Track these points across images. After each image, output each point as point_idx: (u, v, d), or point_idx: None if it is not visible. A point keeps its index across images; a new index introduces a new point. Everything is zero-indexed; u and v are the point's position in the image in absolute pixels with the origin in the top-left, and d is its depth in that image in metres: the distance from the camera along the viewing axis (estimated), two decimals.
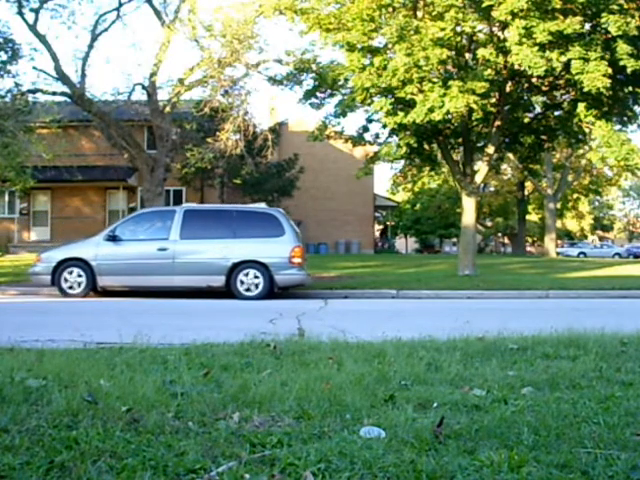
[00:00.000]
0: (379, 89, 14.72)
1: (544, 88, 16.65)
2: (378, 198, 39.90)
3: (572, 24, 13.30)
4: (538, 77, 14.96)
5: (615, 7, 13.54)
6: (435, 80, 14.44)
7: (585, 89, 13.79)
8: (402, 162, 21.29)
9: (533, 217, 51.26)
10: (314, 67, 17.76)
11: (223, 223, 12.34)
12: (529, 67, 13.68)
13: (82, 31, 56.19)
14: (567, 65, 13.84)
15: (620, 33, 13.39)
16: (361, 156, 25.46)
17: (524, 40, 13.51)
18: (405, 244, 54.11)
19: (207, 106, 20.46)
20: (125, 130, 22.72)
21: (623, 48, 13.48)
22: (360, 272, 18.47)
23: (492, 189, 44.52)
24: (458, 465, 2.43)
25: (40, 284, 12.52)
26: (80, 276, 11.97)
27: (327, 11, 15.72)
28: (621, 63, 13.63)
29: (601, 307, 10.83)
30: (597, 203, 64.20)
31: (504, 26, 14.79)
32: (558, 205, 42.03)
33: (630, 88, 15.83)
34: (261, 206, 13.13)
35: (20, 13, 20.62)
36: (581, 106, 15.11)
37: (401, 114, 14.72)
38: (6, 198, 29.35)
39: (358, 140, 18.22)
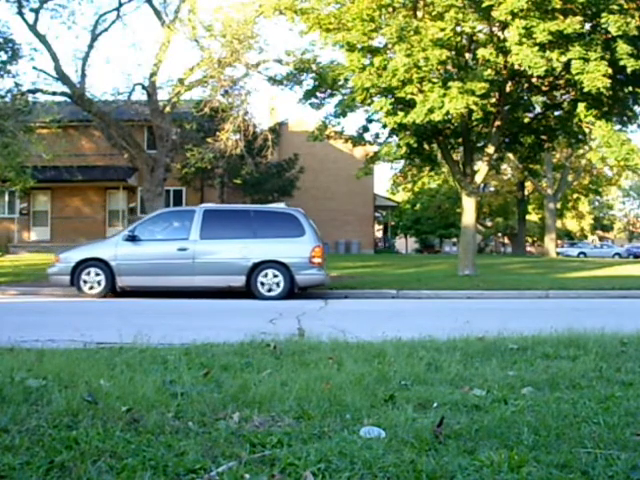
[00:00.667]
0: (379, 89, 14.73)
1: (544, 88, 16.65)
2: (378, 198, 39.91)
3: (572, 24, 13.30)
4: (538, 77, 14.96)
5: (615, 7, 13.54)
6: (435, 80, 14.44)
7: (585, 89, 13.79)
8: (402, 162, 21.30)
9: (533, 217, 51.27)
10: (314, 67, 17.75)
11: (242, 223, 12.30)
12: (529, 67, 13.68)
13: (82, 31, 56.21)
14: (567, 65, 13.84)
15: (620, 33, 13.39)
16: (361, 156, 25.47)
17: (524, 40, 13.51)
18: (405, 244, 54.14)
19: (207, 106, 20.46)
20: (125, 130, 22.73)
21: (623, 48, 13.48)
22: (360, 272, 18.47)
23: (492, 189, 44.53)
24: (458, 465, 2.43)
25: (59, 284, 12.45)
26: (99, 276, 11.89)
27: (327, 11, 15.72)
28: (621, 63, 13.63)
29: (601, 307, 10.83)
30: (597, 203, 64.19)
31: (504, 26, 14.79)
32: (558, 205, 42.04)
33: (630, 88, 15.83)
34: (281, 206, 13.06)
35: (20, 13, 20.63)
36: (581, 106, 15.11)
37: (401, 114, 14.73)
38: (6, 198, 29.36)
39: (358, 140, 18.22)
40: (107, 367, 4.15)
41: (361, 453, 2.53)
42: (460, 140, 17.95)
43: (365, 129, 17.94)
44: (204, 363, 4.37)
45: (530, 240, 56.03)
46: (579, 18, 13.61)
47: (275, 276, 11.78)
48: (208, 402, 3.30)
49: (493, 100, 15.85)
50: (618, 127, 16.45)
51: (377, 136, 18.11)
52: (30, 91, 21.65)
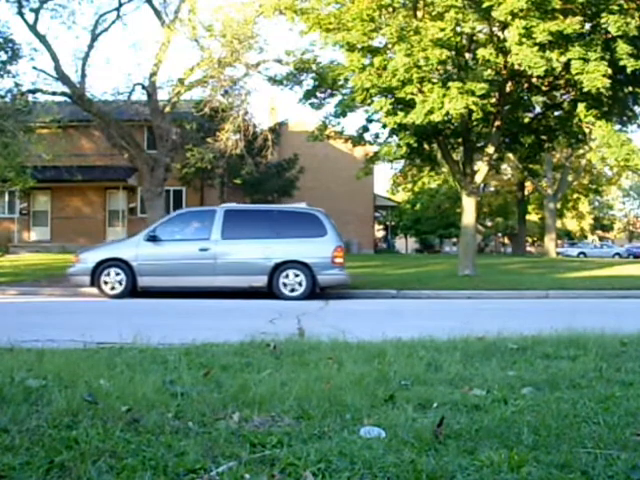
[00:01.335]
0: (379, 89, 14.72)
1: (544, 88, 16.65)
2: (378, 198, 39.92)
3: (572, 24, 13.29)
4: (538, 77, 14.95)
5: (615, 7, 13.53)
6: (435, 81, 14.44)
7: (585, 89, 13.79)
8: (402, 162, 21.30)
9: (533, 217, 51.25)
10: (314, 67, 17.74)
11: (264, 223, 12.31)
12: (529, 67, 13.68)
13: (82, 31, 56.04)
14: (567, 65, 13.84)
15: (620, 33, 13.39)
16: (361, 156, 25.46)
17: (524, 40, 13.50)
18: (405, 244, 54.14)
19: (207, 106, 20.46)
20: (125, 130, 22.71)
21: (623, 48, 13.47)
22: (360, 272, 18.45)
23: (492, 189, 44.52)
24: (458, 465, 2.43)
25: (79, 285, 12.39)
26: (120, 276, 11.84)
27: (327, 11, 15.72)
28: (621, 63, 13.63)
29: (601, 307, 10.83)
30: (597, 203, 64.18)
31: (504, 26, 14.79)
32: (558, 205, 42.02)
33: (630, 88, 15.83)
34: (302, 206, 13.05)
35: (20, 13, 20.61)
36: (581, 106, 15.11)
37: (401, 114, 14.72)
38: (6, 198, 29.35)
39: (358, 140, 18.21)
40: (107, 367, 4.15)
41: (361, 453, 2.53)
42: (460, 140, 17.94)
43: (365, 129, 17.93)
44: (204, 363, 4.37)
45: (530, 240, 56.01)
46: (579, 18, 13.61)
47: (297, 276, 11.78)
48: (208, 402, 3.30)
49: (493, 100, 15.84)
50: (618, 127, 16.45)
51: (377, 136, 18.11)
52: (30, 91, 21.64)
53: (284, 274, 11.77)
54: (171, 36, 21.24)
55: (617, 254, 50.36)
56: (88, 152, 29.09)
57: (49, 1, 20.90)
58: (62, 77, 21.29)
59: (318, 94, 17.73)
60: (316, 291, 11.91)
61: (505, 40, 14.59)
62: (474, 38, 15.96)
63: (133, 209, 30.40)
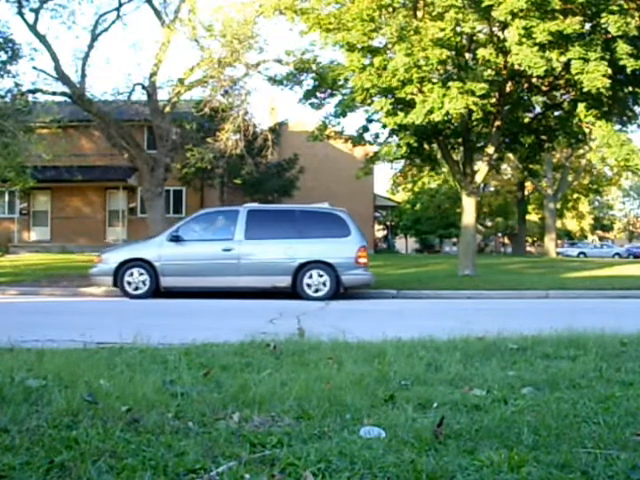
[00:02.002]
0: (379, 89, 14.72)
1: (544, 88, 16.65)
2: (378, 198, 39.92)
3: (572, 24, 13.29)
4: (538, 77, 14.95)
5: (615, 7, 13.53)
6: (435, 80, 14.44)
7: (585, 89, 13.79)
8: (402, 162, 21.30)
9: (533, 217, 51.26)
10: (314, 67, 17.75)
11: (287, 223, 12.28)
12: (529, 67, 13.68)
13: (82, 31, 56.00)
14: (567, 65, 13.84)
15: (620, 33, 13.39)
16: (361, 156, 25.46)
17: (524, 40, 13.50)
18: (405, 244, 54.14)
19: (207, 106, 20.45)
20: (125, 130, 22.71)
21: (623, 48, 13.47)
22: None
23: (492, 189, 44.53)
24: (458, 465, 2.43)
25: (101, 285, 12.36)
26: (143, 277, 11.80)
27: (327, 11, 15.72)
28: (621, 63, 13.63)
29: (601, 307, 10.83)
30: (597, 203, 64.21)
31: (504, 26, 14.79)
32: (558, 205, 42.04)
33: (630, 88, 15.82)
34: (325, 206, 13.05)
35: (20, 13, 20.60)
36: (581, 106, 15.11)
37: (401, 114, 14.72)
38: (6, 198, 29.36)
39: (358, 140, 18.21)
40: (107, 367, 4.15)
41: (361, 453, 2.53)
42: (460, 140, 17.94)
43: (365, 129, 17.93)
44: (204, 363, 4.37)
45: (530, 240, 56.02)
46: (579, 18, 13.61)
47: (321, 276, 11.76)
48: (208, 402, 3.30)
49: (493, 100, 15.84)
50: (618, 127, 16.45)
51: (377, 136, 18.11)
52: (30, 91, 21.63)
53: (308, 274, 11.75)
54: (171, 36, 21.23)
55: (617, 254, 50.36)
56: (88, 152, 29.09)
57: (49, 1, 20.90)
58: (62, 77, 21.28)
59: (318, 94, 17.73)
60: (340, 291, 11.90)
61: (505, 40, 14.59)
62: (474, 38, 15.96)
63: (133, 209, 30.40)
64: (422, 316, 9.13)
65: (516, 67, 14.59)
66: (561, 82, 15.90)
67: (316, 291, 11.73)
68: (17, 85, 20.65)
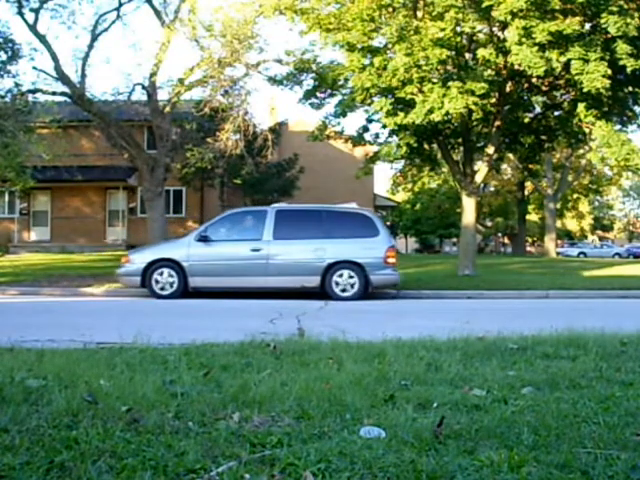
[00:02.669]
0: (379, 89, 14.72)
1: (544, 88, 16.65)
2: (378, 198, 39.92)
3: (572, 24, 13.29)
4: (538, 77, 14.95)
5: (615, 7, 13.53)
6: (435, 80, 14.43)
7: (585, 89, 13.79)
8: (402, 162, 21.29)
9: (533, 217, 51.27)
10: (314, 67, 17.75)
11: (315, 223, 12.28)
12: (529, 67, 13.68)
13: (82, 31, 55.90)
14: (567, 65, 13.84)
15: (620, 33, 13.38)
16: (361, 156, 25.47)
17: (524, 40, 13.50)
18: (405, 244, 54.13)
19: (207, 106, 20.46)
20: (125, 130, 22.71)
21: (623, 48, 13.47)
22: None
23: (492, 189, 44.53)
24: (458, 465, 2.43)
25: (129, 285, 12.32)
26: (172, 277, 11.78)
27: (327, 11, 15.72)
28: (621, 63, 13.62)
29: (601, 307, 10.83)
30: (597, 203, 64.21)
31: (504, 26, 14.79)
32: (558, 205, 42.05)
33: (630, 88, 15.82)
34: (353, 206, 13.06)
35: (20, 13, 20.60)
36: (581, 106, 15.11)
37: (401, 114, 14.72)
38: (6, 198, 29.36)
39: (358, 140, 18.22)
40: (107, 367, 4.15)
41: (361, 453, 2.53)
42: (460, 140, 17.95)
43: (365, 129, 17.94)
44: (204, 363, 4.37)
45: (530, 240, 56.04)
46: (579, 18, 13.61)
47: (350, 277, 11.77)
48: (208, 402, 3.30)
49: (493, 100, 15.85)
50: (618, 127, 16.44)
51: (377, 136, 18.12)
52: (30, 91, 21.63)
53: (337, 274, 11.77)
54: (171, 36, 21.23)
55: (617, 254, 50.38)
56: (88, 152, 29.09)
57: (49, 1, 20.90)
58: (62, 77, 21.29)
59: (318, 94, 17.74)
60: (369, 291, 11.92)
61: (505, 40, 14.59)
62: (474, 38, 15.95)
63: (133, 209, 30.40)
64: (422, 316, 9.13)
65: (516, 67, 14.60)
66: (561, 82, 15.90)
67: (345, 291, 11.75)
68: (17, 85, 20.66)
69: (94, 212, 30.37)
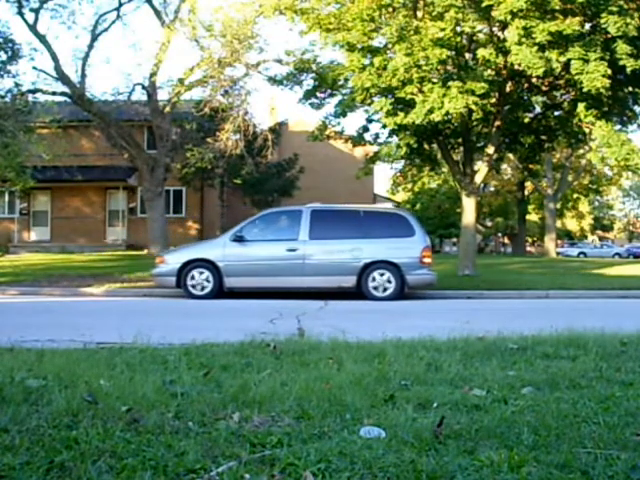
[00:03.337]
0: (379, 89, 14.71)
1: (544, 88, 16.65)
2: (378, 198, 39.90)
3: (572, 24, 13.29)
4: (538, 77, 14.95)
5: (615, 7, 13.52)
6: (435, 80, 14.43)
7: (585, 89, 13.78)
8: (402, 162, 21.30)
9: (533, 217, 51.26)
10: (314, 67, 17.75)
11: (351, 223, 12.29)
12: (528, 67, 13.68)
13: (82, 31, 55.95)
14: (567, 65, 13.83)
15: (620, 33, 13.38)
16: (361, 156, 25.48)
17: (524, 40, 13.50)
18: None
19: (207, 106, 20.48)
20: (125, 130, 22.73)
21: (623, 48, 13.46)
22: None
23: (492, 189, 44.53)
24: (458, 465, 2.43)
25: (164, 286, 12.28)
26: (207, 277, 11.76)
27: (327, 11, 15.72)
28: (621, 63, 13.62)
29: (601, 307, 10.83)
30: (597, 203, 64.19)
31: (504, 26, 14.79)
32: (558, 205, 42.04)
33: (630, 88, 15.82)
34: (388, 206, 12.98)
35: (20, 13, 20.63)
36: (581, 106, 15.11)
37: (401, 114, 14.72)
38: (6, 198, 29.37)
39: (358, 140, 18.21)
40: (107, 367, 4.15)
41: (361, 453, 2.53)
42: (460, 140, 17.94)
43: (365, 129, 17.93)
44: (204, 363, 4.37)
45: (530, 240, 56.04)
46: (579, 18, 13.60)
47: (386, 277, 11.77)
48: (208, 402, 3.30)
49: (493, 100, 15.84)
50: (618, 127, 16.45)
51: (377, 136, 18.11)
52: (30, 91, 21.65)
53: (373, 274, 11.76)
54: (171, 36, 21.25)
55: (617, 254, 50.38)
56: (88, 152, 29.10)
57: (49, 1, 20.93)
58: (62, 77, 21.31)
59: (318, 94, 17.73)
60: (405, 291, 11.93)
61: (505, 40, 14.58)
62: (474, 38, 15.95)
63: (133, 209, 30.41)
64: (422, 316, 9.12)
65: (516, 67, 14.60)
66: (561, 82, 15.90)
67: (381, 291, 11.76)
68: (17, 85, 20.69)
69: (94, 212, 30.37)
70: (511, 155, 26.03)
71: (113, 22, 22.27)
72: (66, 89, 21.56)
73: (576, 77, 13.79)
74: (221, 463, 2.45)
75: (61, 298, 12.07)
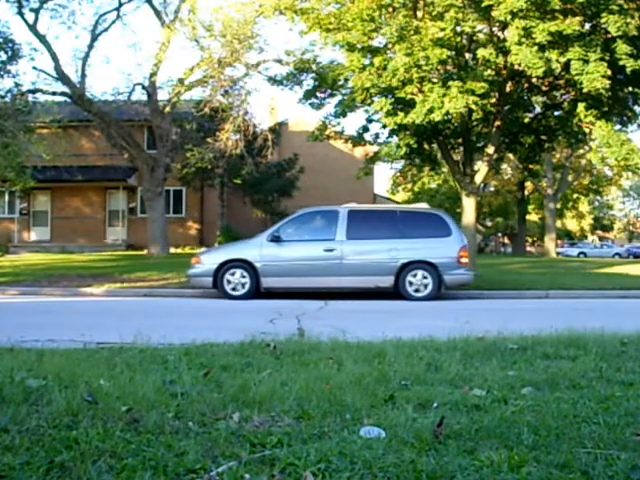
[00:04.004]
0: (379, 89, 14.71)
1: (544, 88, 16.64)
2: (378, 198, 39.88)
3: (572, 24, 13.28)
4: (538, 77, 14.94)
5: (615, 7, 13.52)
6: (435, 80, 14.43)
7: (585, 89, 13.78)
8: (402, 162, 21.31)
9: (533, 217, 51.26)
10: (314, 67, 17.75)
11: (387, 223, 12.28)
12: (528, 67, 13.68)
13: (82, 31, 56.17)
14: (567, 65, 13.83)
15: (620, 33, 13.37)
16: (361, 156, 25.48)
17: (523, 40, 13.50)
18: None
19: (207, 106, 20.48)
20: (125, 130, 22.73)
21: (623, 48, 13.46)
22: None
23: (492, 189, 44.52)
24: (458, 465, 2.43)
25: (200, 286, 12.20)
26: (244, 278, 11.69)
27: (327, 11, 15.71)
28: (621, 63, 13.61)
29: (601, 307, 10.83)
30: (597, 203, 64.20)
31: (504, 26, 14.78)
32: (558, 205, 42.03)
33: (630, 88, 15.81)
34: (424, 206, 12.97)
35: (20, 13, 20.63)
36: (581, 106, 15.10)
37: (401, 114, 14.71)
38: (6, 198, 29.38)
39: (358, 140, 18.21)
40: (107, 367, 4.15)
41: (361, 453, 2.53)
42: (460, 140, 17.94)
43: (365, 129, 17.92)
44: (204, 363, 4.37)
45: (530, 240, 56.02)
46: (579, 18, 13.59)
47: (424, 277, 11.77)
48: (208, 402, 3.30)
49: (493, 100, 15.83)
50: (618, 127, 16.44)
51: (377, 136, 18.10)
52: (30, 91, 21.65)
53: (410, 274, 11.75)
54: (171, 36, 21.25)
55: (617, 254, 50.39)
56: (88, 152, 29.10)
57: (49, 1, 20.93)
58: (62, 77, 21.30)
59: (318, 94, 17.73)
60: (442, 291, 11.94)
61: (505, 40, 14.58)
62: (474, 38, 15.94)
63: (133, 209, 30.41)
64: (422, 316, 9.13)
65: (516, 67, 14.59)
66: (561, 82, 15.89)
67: (418, 291, 11.75)
68: (17, 85, 20.69)
69: (94, 212, 30.37)
70: (511, 155, 26.01)
71: (113, 22, 22.29)
72: (66, 89, 21.56)
73: (576, 77, 13.78)
74: (221, 463, 2.45)
75: (61, 298, 12.07)
